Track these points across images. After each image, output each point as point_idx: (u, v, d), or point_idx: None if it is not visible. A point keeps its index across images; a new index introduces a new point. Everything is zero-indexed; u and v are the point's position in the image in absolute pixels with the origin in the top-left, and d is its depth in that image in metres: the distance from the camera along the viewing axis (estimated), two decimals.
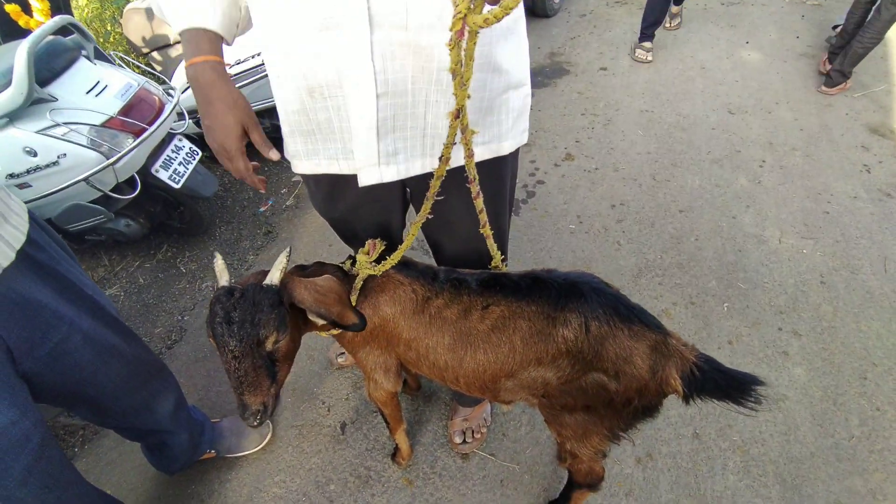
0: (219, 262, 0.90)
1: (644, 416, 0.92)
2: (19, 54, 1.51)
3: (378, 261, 1.00)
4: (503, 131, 0.95)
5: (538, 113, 2.98)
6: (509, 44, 0.87)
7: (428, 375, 1.09)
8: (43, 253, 0.83)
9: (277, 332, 0.82)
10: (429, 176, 0.95)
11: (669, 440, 1.45)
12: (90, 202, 1.81)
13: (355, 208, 1.05)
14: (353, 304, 0.99)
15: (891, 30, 3.44)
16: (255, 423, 0.83)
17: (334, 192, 1.03)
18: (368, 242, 1.00)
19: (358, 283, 0.98)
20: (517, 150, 1.03)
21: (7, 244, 0.77)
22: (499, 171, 1.03)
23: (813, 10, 3.82)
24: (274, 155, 0.87)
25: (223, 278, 0.88)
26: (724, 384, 0.82)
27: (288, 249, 0.89)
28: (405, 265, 1.03)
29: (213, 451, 1.48)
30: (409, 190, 1.06)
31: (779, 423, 1.47)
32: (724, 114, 2.87)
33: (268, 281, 0.84)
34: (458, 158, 0.93)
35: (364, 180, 0.89)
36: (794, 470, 1.37)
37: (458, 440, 1.47)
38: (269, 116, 2.44)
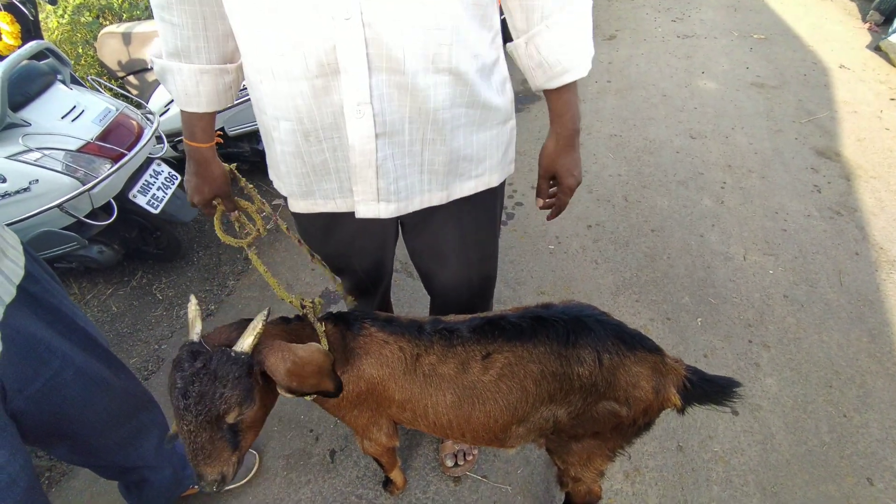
0: (192, 307, 0.80)
1: (643, 431, 0.96)
2: None
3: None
4: (494, 164, 0.99)
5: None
6: (505, 83, 0.92)
7: (426, 432, 1.05)
8: (38, 285, 0.80)
9: (240, 407, 0.75)
10: (422, 209, 0.98)
11: (655, 454, 1.50)
12: (62, 228, 1.74)
13: (350, 242, 1.06)
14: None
15: (830, 58, 3.80)
16: (213, 490, 0.77)
17: (329, 228, 1.04)
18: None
19: (319, 329, 0.92)
20: (504, 181, 1.07)
21: (7, 279, 0.74)
22: (491, 202, 1.06)
23: (759, 43, 4.14)
24: (234, 216, 1.08)
25: (194, 329, 0.78)
26: (710, 390, 0.91)
27: (266, 311, 0.81)
28: (388, 321, 0.97)
29: (196, 487, 1.42)
30: (402, 222, 1.08)
31: (755, 433, 1.54)
32: (687, 138, 3.05)
33: (238, 347, 0.76)
34: (453, 191, 0.97)
35: (362, 213, 0.91)
36: (773, 478, 1.44)
37: (449, 463, 1.47)
38: (248, 141, 2.42)
